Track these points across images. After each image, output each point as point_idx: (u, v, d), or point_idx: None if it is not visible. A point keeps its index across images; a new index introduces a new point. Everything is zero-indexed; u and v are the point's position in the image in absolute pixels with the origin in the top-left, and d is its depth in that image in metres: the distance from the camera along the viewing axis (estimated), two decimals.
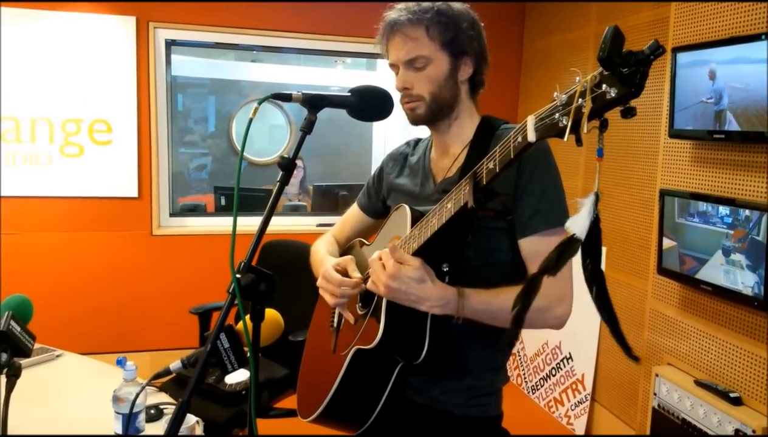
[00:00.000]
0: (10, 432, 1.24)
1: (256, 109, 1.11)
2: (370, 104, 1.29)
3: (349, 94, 1.26)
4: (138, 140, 3.76)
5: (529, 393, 3.95)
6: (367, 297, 1.37)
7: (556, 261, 0.84)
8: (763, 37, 2.22)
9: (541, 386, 3.83)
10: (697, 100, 2.53)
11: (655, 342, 2.95)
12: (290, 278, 2.25)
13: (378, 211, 1.64)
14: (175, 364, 1.21)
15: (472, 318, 1.23)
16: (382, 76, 4.58)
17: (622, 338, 0.85)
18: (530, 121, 0.90)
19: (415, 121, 1.39)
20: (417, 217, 1.27)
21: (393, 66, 1.39)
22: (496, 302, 1.23)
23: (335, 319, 1.52)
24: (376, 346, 1.26)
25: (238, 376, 2.32)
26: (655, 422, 2.78)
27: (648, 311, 3.01)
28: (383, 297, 1.26)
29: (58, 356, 2.19)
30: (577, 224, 0.82)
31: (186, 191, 5.56)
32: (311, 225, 4.23)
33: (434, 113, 1.37)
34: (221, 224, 4.14)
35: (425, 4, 1.33)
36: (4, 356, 1.26)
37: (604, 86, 0.76)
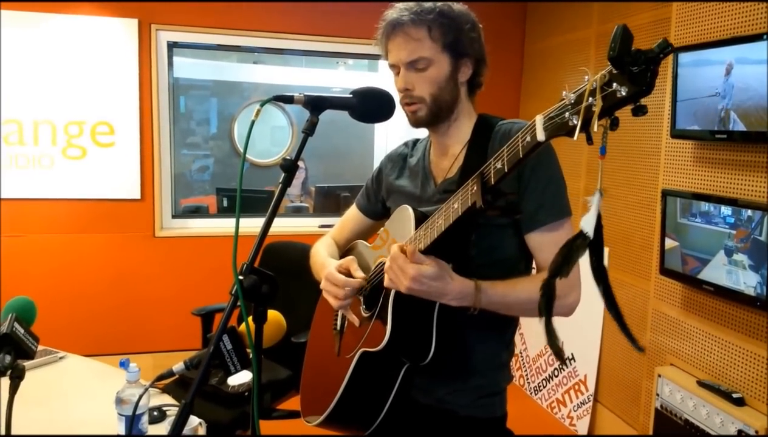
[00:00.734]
0: (13, 433, 1.24)
1: (258, 111, 1.12)
2: (372, 106, 1.29)
3: (351, 95, 1.26)
4: (140, 142, 3.76)
5: (531, 394, 3.95)
6: (372, 300, 1.37)
7: (565, 262, 0.84)
8: (765, 37, 2.22)
9: (544, 387, 3.82)
10: (699, 100, 2.53)
11: (657, 343, 2.95)
12: (292, 279, 2.25)
13: (377, 212, 1.64)
14: (178, 366, 1.21)
15: (488, 309, 1.25)
16: (384, 78, 4.59)
17: (627, 330, 0.87)
18: (539, 121, 0.90)
19: (417, 123, 1.39)
20: (420, 218, 1.27)
21: (393, 66, 1.39)
22: (511, 294, 1.26)
23: (338, 322, 1.52)
24: (383, 348, 1.26)
25: (241, 378, 2.32)
26: (658, 423, 2.77)
27: (650, 311, 3.00)
28: (389, 299, 1.26)
29: (61, 358, 2.20)
30: (589, 223, 0.82)
31: (188, 193, 5.57)
32: (313, 227, 4.24)
33: (435, 115, 1.37)
34: (223, 225, 4.14)
35: (427, 5, 1.33)
36: (8, 358, 1.26)
37: (614, 85, 0.77)
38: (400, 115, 1.38)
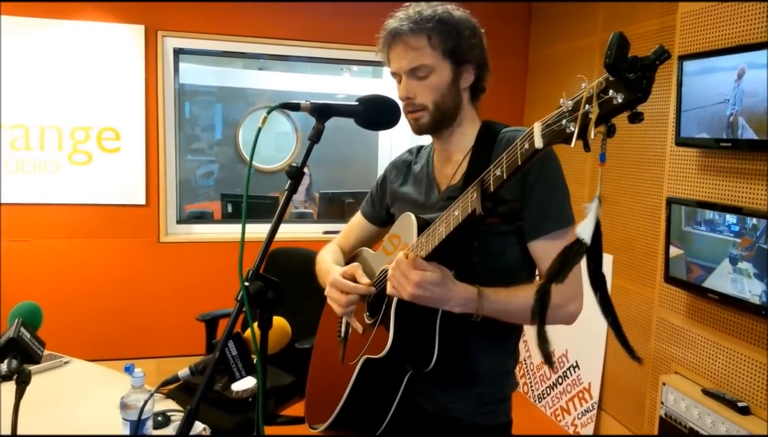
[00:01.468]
0: None
1: (265, 118, 1.12)
2: (377, 113, 1.29)
3: (356, 103, 1.27)
4: (146, 148, 3.78)
5: (535, 401, 3.93)
6: (375, 307, 1.37)
7: (562, 268, 0.84)
8: None
9: (548, 394, 3.81)
10: (706, 108, 2.53)
11: (662, 351, 2.94)
12: (297, 285, 2.25)
13: (382, 219, 1.64)
14: (183, 371, 1.22)
15: (490, 316, 1.25)
16: (389, 84, 4.59)
17: (624, 339, 0.86)
18: (537, 128, 0.91)
19: (419, 130, 1.40)
20: (423, 225, 1.28)
21: (395, 75, 1.39)
22: (514, 301, 1.25)
23: (342, 329, 1.52)
24: (385, 355, 1.26)
25: (245, 383, 2.33)
26: (663, 431, 2.76)
27: (655, 319, 2.99)
28: (392, 307, 1.27)
29: (66, 363, 2.21)
30: (586, 229, 0.82)
31: (193, 198, 5.57)
32: (318, 233, 4.25)
33: (438, 122, 1.37)
34: (228, 231, 4.16)
35: (426, 13, 1.33)
36: (15, 363, 1.27)
37: (610, 92, 0.77)
38: (404, 122, 1.39)
